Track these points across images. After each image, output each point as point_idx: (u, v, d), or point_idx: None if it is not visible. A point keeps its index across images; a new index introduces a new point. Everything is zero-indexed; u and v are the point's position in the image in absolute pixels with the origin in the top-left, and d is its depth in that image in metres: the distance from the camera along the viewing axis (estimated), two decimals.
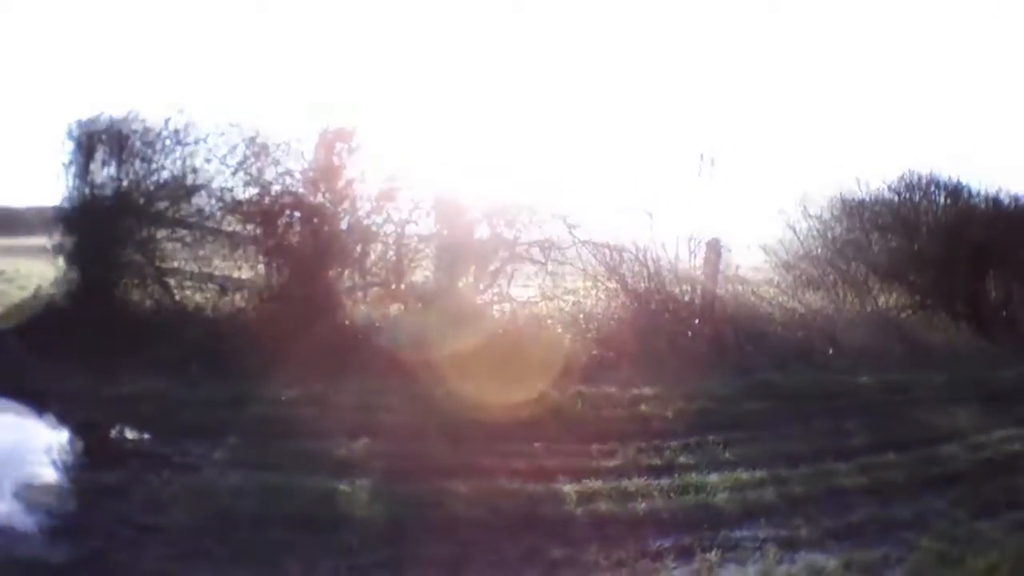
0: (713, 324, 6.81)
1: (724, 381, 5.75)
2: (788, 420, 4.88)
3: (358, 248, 6.45)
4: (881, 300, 8.29)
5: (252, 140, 6.56)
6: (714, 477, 3.80)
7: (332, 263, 6.39)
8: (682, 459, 4.07)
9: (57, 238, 6.64)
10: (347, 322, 6.09)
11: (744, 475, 3.85)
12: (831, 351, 6.87)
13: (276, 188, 6.43)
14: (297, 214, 6.43)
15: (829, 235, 8.46)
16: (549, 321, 6.37)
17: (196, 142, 6.65)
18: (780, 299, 7.87)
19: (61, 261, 6.52)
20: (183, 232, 6.46)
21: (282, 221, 6.38)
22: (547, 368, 5.48)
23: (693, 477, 3.79)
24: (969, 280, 8.54)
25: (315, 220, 6.41)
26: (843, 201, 8.56)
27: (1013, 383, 6.42)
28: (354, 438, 4.00)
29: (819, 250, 8.43)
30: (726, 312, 7.05)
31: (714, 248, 7.26)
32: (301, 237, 6.42)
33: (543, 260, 6.86)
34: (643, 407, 4.90)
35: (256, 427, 4.13)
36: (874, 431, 4.77)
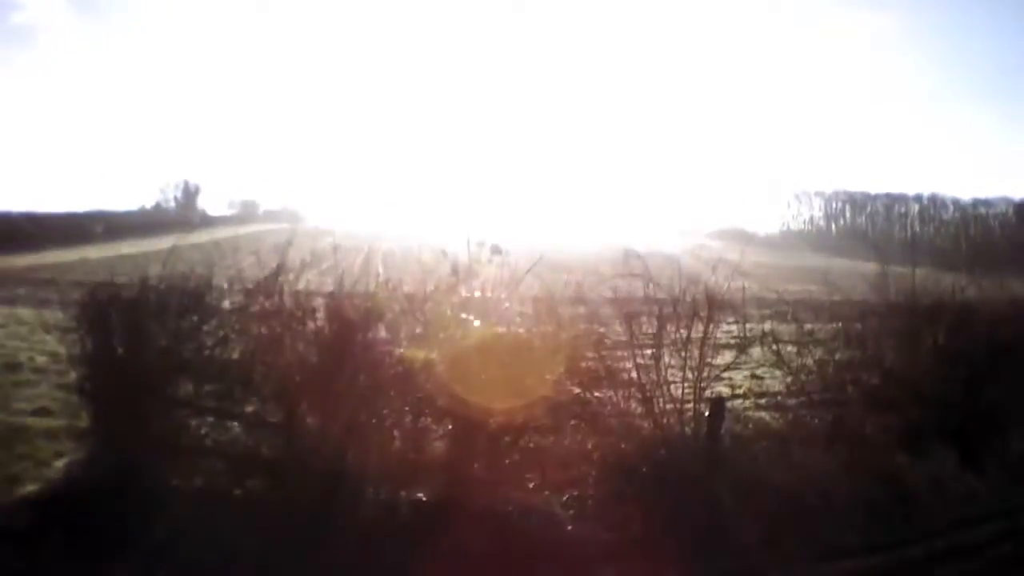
0: (711, 491, 7.21)
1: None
2: None
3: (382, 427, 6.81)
4: (872, 433, 8.65)
5: (266, 313, 6.92)
6: None
7: (353, 443, 6.75)
8: None
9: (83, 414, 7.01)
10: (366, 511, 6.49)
11: None
12: (823, 510, 7.28)
13: (295, 373, 6.79)
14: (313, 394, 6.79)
15: (829, 370, 8.78)
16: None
17: (213, 317, 7.01)
18: (779, 435, 8.29)
19: (89, 443, 6.87)
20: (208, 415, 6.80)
21: (300, 408, 6.74)
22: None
23: None
24: (963, 406, 8.90)
25: (335, 398, 6.77)
26: (845, 334, 8.88)
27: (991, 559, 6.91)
28: None
29: (816, 388, 8.76)
30: (725, 475, 7.44)
31: (718, 407, 7.61)
32: (321, 420, 6.79)
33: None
34: None
35: None
36: None
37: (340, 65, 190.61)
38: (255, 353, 6.68)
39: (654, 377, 7.99)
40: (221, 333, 6.74)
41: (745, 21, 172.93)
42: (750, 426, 8.41)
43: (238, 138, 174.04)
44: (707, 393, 7.96)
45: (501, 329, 7.29)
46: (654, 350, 8.20)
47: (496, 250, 7.46)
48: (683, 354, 8.18)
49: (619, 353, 8.11)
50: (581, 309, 8.68)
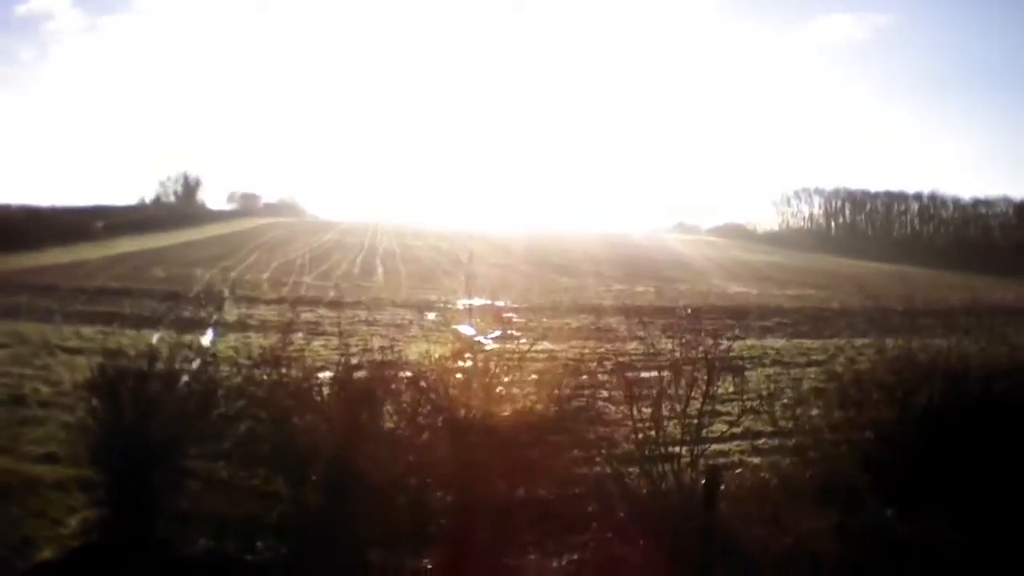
0: (706, 558, 7.41)
1: None
2: None
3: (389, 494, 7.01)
4: (863, 490, 8.85)
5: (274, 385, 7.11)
6: None
7: (360, 510, 6.96)
8: None
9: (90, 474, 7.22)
10: None
11: None
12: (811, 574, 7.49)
13: (302, 441, 6.98)
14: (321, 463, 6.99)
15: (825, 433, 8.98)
16: None
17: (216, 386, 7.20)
18: (773, 494, 8.49)
19: (104, 511, 7.08)
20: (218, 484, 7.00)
21: (309, 476, 6.94)
22: None
23: None
24: (955, 463, 9.06)
25: (342, 466, 6.97)
26: (841, 392, 9.08)
27: None
28: None
29: (810, 443, 8.96)
30: (719, 540, 7.63)
31: (714, 476, 7.79)
32: (328, 486, 6.99)
33: None
34: None
35: None
36: None
37: (339, 56, 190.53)
38: (264, 424, 6.85)
39: (652, 433, 8.15)
40: (230, 407, 6.90)
41: (745, 18, 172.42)
42: (746, 484, 8.58)
43: (238, 130, 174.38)
44: (705, 432, 8.19)
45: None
46: (653, 409, 8.36)
47: (505, 322, 7.66)
48: (682, 406, 8.35)
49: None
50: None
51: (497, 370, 7.65)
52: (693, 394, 8.36)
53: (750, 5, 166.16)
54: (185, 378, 7.02)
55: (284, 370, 6.95)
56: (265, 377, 7.05)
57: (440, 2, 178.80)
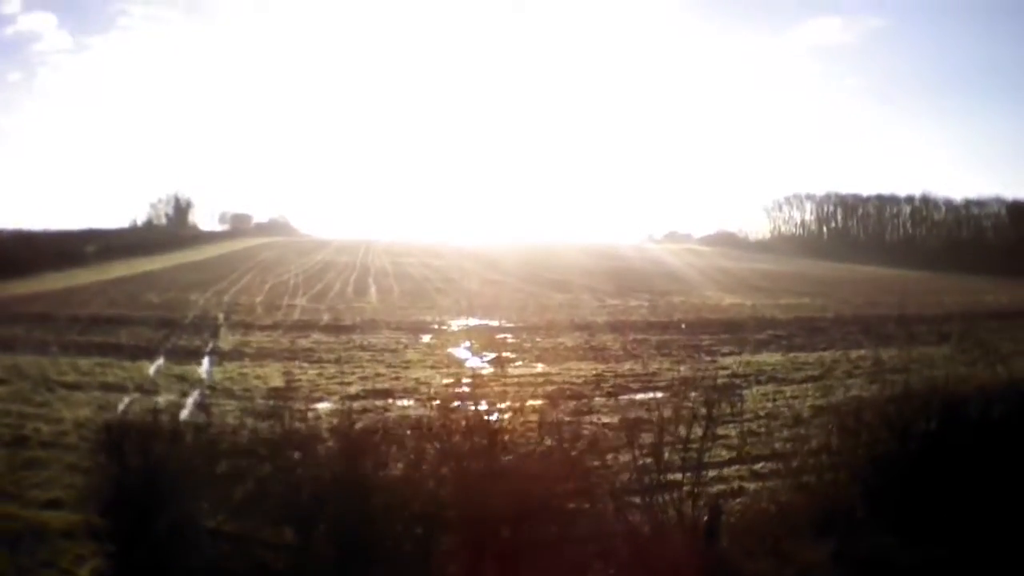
0: None
1: None
2: None
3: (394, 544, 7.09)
4: (862, 517, 8.95)
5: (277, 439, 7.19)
6: None
7: (368, 563, 7.03)
8: None
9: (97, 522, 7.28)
10: None
11: None
12: None
13: (308, 492, 7.06)
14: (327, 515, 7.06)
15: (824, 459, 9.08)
16: None
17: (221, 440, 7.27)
18: (772, 524, 8.59)
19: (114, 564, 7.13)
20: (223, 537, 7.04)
21: (316, 529, 7.01)
22: None
23: None
24: (953, 489, 9.16)
25: (348, 518, 7.04)
26: (840, 422, 9.20)
27: None
28: None
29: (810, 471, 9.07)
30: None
31: (716, 512, 7.89)
32: (336, 539, 7.06)
33: None
34: None
35: None
36: None
37: (327, 74, 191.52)
38: (271, 475, 6.93)
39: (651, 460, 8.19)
40: (236, 459, 6.97)
41: (734, 23, 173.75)
42: (747, 514, 8.68)
43: (228, 151, 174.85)
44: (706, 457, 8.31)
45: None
46: (654, 438, 8.42)
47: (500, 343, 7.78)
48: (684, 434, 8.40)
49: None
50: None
51: (496, 400, 7.76)
52: (693, 424, 8.46)
53: (739, 10, 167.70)
54: (186, 413, 7.07)
55: (289, 406, 7.01)
56: (269, 431, 7.12)
57: (428, 20, 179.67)
